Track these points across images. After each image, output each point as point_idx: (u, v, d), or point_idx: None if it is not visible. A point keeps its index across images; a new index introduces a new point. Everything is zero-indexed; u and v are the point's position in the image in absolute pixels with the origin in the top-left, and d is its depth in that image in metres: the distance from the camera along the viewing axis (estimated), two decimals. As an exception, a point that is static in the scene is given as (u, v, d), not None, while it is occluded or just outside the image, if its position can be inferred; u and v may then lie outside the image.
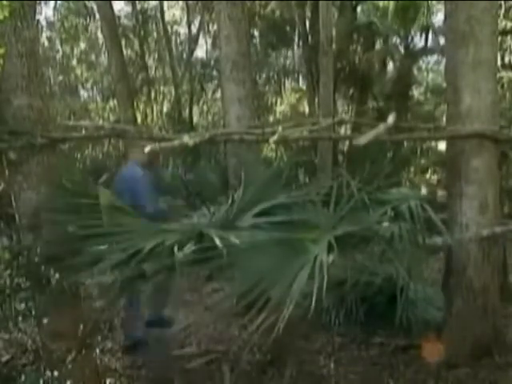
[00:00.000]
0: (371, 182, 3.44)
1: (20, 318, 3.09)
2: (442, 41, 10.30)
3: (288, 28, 13.28)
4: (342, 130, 9.97)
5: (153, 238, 3.07)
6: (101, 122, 11.47)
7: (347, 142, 9.54)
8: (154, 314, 4.53)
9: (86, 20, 13.96)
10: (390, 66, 12.12)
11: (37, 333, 3.24)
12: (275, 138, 3.12)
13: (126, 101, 9.16)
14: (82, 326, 3.19)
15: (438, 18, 11.84)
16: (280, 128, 3.29)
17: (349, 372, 3.85)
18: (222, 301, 4.82)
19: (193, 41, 14.07)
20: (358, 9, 12.21)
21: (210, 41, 15.47)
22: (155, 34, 14.75)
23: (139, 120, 10.70)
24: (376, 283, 4.01)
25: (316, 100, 10.64)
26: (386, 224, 3.12)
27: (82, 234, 3.13)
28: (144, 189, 3.96)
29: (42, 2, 13.02)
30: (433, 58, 13.14)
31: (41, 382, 2.92)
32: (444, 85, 4.17)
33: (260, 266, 2.87)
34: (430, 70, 14.22)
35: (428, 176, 11.38)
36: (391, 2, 10.48)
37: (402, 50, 10.91)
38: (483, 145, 3.59)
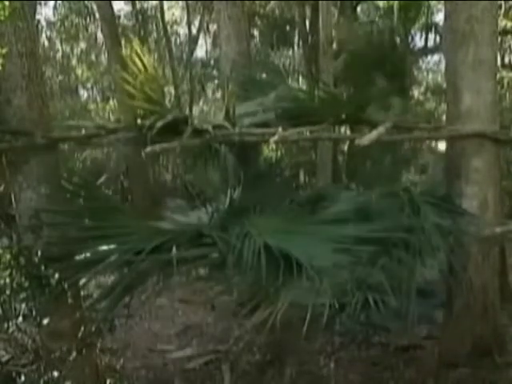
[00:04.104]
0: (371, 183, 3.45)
1: (20, 318, 3.08)
2: (442, 40, 10.29)
3: (288, 28, 13.27)
4: (342, 130, 9.95)
5: (153, 239, 3.07)
6: (101, 122, 11.44)
7: (347, 142, 9.53)
8: None
9: (85, 20, 13.94)
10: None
11: (37, 333, 3.24)
12: (275, 138, 3.12)
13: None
14: (82, 326, 3.19)
15: (439, 18, 11.83)
16: (280, 128, 3.29)
17: (349, 372, 3.85)
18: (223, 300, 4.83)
19: (193, 41, 14.06)
20: (358, 9, 12.20)
21: (210, 41, 15.47)
22: (155, 34, 14.74)
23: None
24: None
25: (316, 100, 10.62)
26: None
27: (82, 235, 3.13)
28: None
29: (42, 2, 13.02)
30: (433, 58, 13.13)
31: (41, 382, 2.91)
32: (444, 85, 4.17)
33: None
34: (430, 70, 14.20)
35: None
36: (394, 2, 10.45)
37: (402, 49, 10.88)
38: (483, 145, 3.59)
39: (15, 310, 3.08)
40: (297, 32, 12.92)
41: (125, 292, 3.08)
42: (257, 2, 12.98)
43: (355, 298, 2.90)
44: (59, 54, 14.93)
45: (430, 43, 11.30)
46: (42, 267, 3.02)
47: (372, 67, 4.10)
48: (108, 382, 3.57)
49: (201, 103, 14.49)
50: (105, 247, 3.12)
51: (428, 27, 10.91)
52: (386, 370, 3.82)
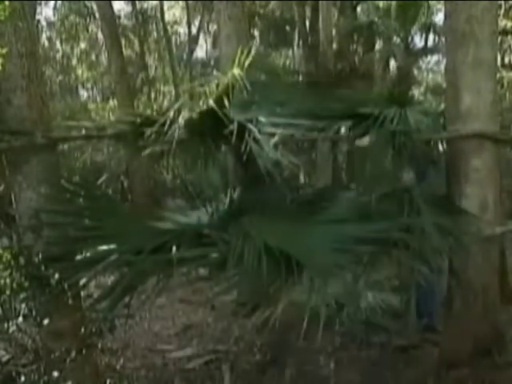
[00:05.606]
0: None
1: (20, 318, 3.08)
2: (442, 41, 10.29)
3: (288, 28, 13.29)
4: (343, 130, 9.95)
5: (153, 239, 3.07)
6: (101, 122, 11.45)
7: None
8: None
9: (85, 20, 13.96)
10: (391, 65, 12.12)
11: (37, 333, 3.24)
12: (275, 138, 3.11)
13: (126, 101, 9.17)
14: (82, 326, 3.19)
15: (438, 18, 11.83)
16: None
17: (349, 372, 3.85)
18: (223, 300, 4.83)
19: (193, 41, 14.08)
20: (358, 9, 12.22)
21: (210, 41, 15.50)
22: (155, 34, 14.76)
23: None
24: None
25: (316, 100, 10.61)
26: None
27: (82, 235, 3.13)
28: None
29: (42, 1, 13.03)
30: (433, 58, 13.14)
31: (41, 382, 2.91)
32: (444, 85, 4.17)
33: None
34: (430, 70, 14.21)
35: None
36: (393, 2, 10.47)
37: (402, 49, 10.89)
38: (483, 145, 3.59)
39: (15, 309, 3.08)
40: (297, 32, 12.94)
41: (125, 292, 3.08)
42: (257, 2, 13.00)
43: (355, 297, 2.91)
44: (59, 54, 14.96)
45: (430, 43, 11.31)
46: (42, 267, 3.02)
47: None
48: (108, 382, 3.57)
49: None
50: (105, 247, 3.12)
51: (428, 27, 10.91)
52: (386, 370, 3.82)
